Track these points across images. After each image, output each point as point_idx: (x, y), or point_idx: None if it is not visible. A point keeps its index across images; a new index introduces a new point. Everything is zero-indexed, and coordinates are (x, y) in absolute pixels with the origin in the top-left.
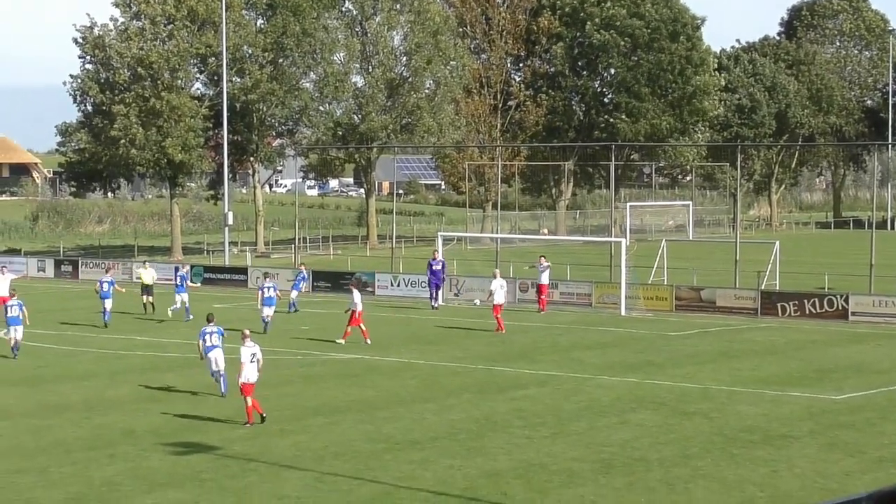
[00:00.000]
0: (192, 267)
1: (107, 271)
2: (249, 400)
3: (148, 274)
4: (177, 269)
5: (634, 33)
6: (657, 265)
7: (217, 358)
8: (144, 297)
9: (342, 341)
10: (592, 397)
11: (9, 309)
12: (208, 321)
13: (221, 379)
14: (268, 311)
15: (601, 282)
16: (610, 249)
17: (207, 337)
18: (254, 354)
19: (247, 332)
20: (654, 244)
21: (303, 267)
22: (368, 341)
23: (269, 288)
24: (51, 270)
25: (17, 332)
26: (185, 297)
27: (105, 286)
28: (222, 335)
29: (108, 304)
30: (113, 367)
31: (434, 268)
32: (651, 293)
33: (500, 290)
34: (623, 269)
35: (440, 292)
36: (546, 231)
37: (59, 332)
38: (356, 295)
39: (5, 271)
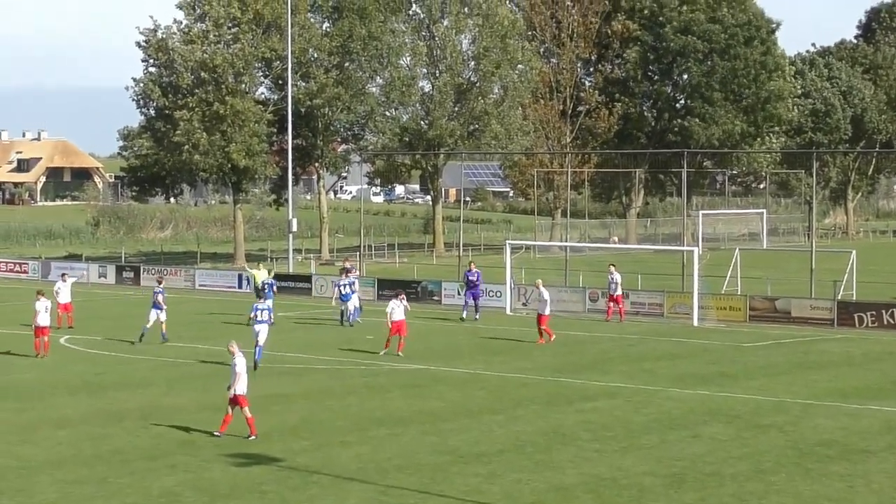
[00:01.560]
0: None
1: (269, 272)
2: (247, 410)
3: (261, 274)
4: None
5: (712, 38)
6: (730, 274)
7: (261, 331)
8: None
9: (384, 352)
10: (663, 410)
11: (155, 296)
12: (258, 297)
13: (258, 350)
14: (343, 306)
15: (673, 291)
16: (682, 258)
17: (259, 312)
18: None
19: (234, 346)
20: (727, 253)
21: (348, 264)
22: (383, 352)
23: (345, 285)
24: (112, 276)
25: (160, 315)
26: (357, 301)
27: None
28: (271, 312)
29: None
30: (170, 375)
31: (470, 279)
32: (724, 303)
33: (547, 301)
34: (695, 278)
35: (478, 302)
36: (616, 239)
37: (118, 338)
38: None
39: (67, 277)
